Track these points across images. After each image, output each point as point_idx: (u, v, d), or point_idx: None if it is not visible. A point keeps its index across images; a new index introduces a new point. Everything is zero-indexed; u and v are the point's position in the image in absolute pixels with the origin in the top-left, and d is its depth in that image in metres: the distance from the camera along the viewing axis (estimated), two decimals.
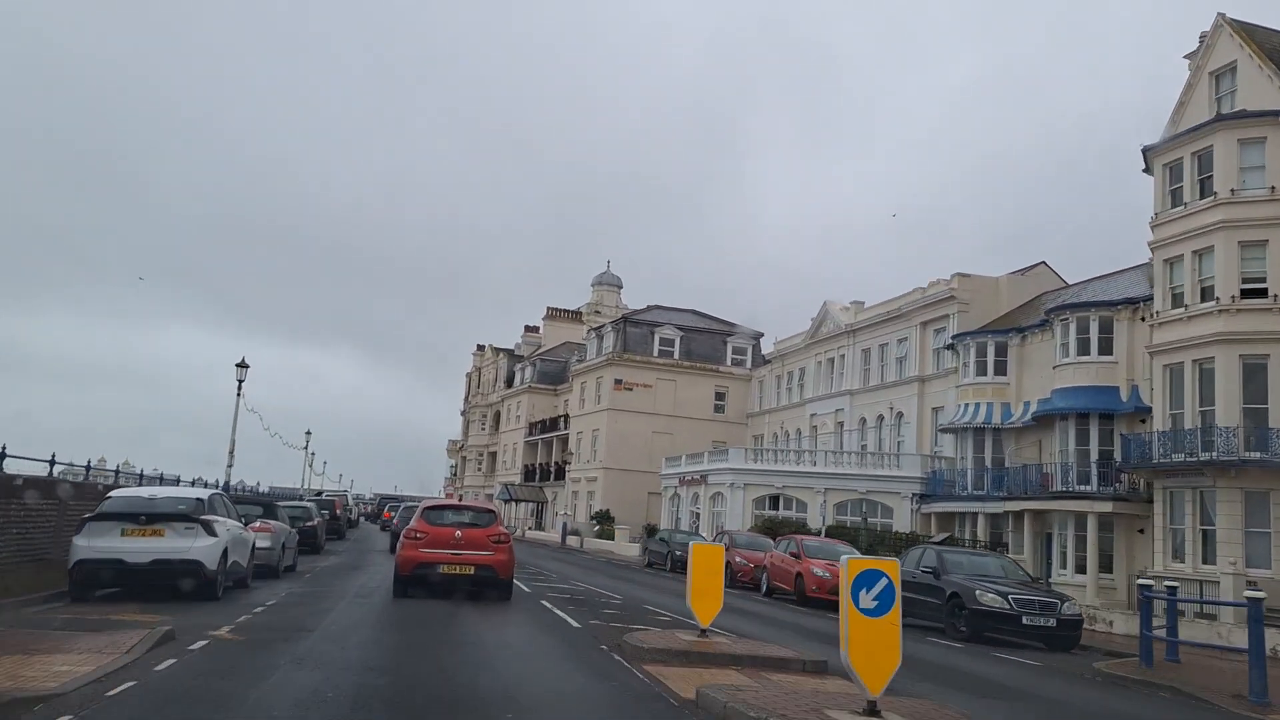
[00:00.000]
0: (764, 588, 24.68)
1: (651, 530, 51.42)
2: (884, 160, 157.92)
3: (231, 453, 33.26)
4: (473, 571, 15.64)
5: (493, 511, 17.86)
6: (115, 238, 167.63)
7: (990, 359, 36.82)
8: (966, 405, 37.20)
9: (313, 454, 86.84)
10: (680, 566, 33.05)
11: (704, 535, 37.58)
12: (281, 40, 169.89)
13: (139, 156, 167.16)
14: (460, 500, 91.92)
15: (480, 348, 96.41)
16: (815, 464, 40.99)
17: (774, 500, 41.81)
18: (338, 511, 41.03)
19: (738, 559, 26.82)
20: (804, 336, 52.54)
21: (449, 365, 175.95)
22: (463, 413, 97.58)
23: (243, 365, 33.62)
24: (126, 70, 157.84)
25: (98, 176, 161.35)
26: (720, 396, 60.09)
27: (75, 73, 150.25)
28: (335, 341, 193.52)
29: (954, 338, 38.68)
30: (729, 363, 60.93)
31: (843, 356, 48.70)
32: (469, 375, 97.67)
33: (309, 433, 63.20)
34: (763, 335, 62.41)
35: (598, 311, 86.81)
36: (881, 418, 44.93)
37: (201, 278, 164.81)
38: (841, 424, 48.25)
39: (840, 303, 50.30)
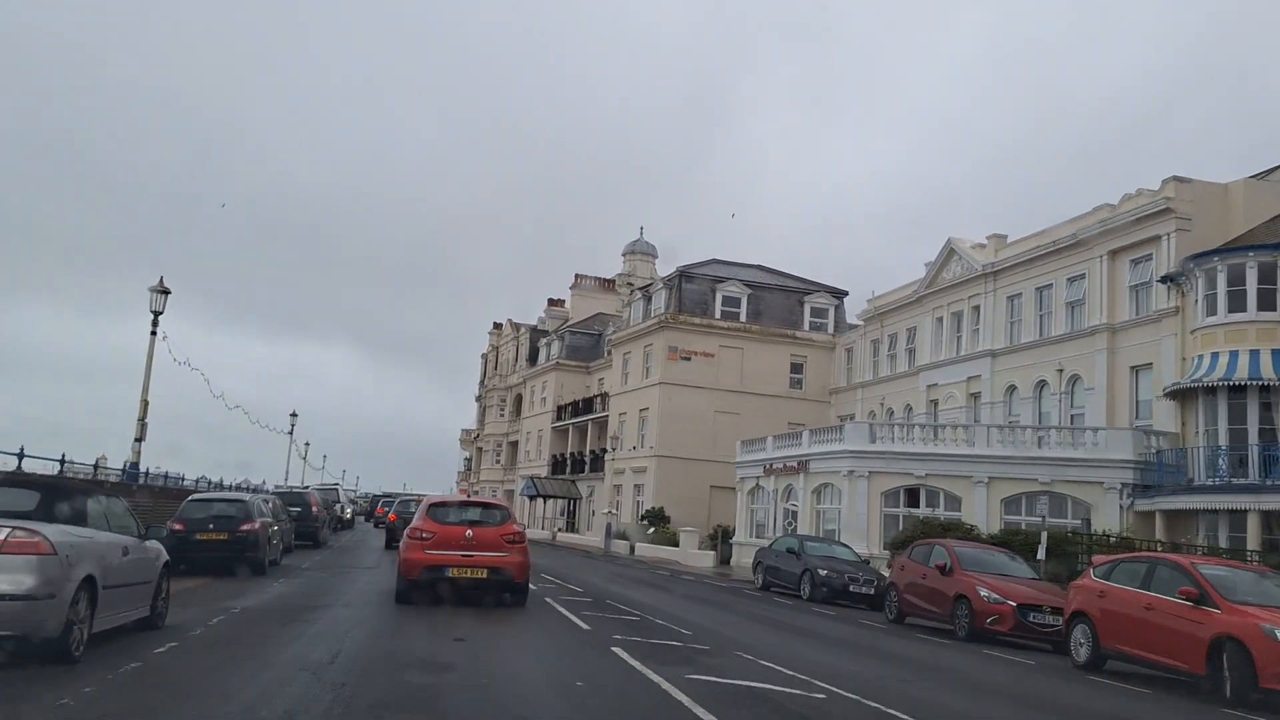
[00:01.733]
0: (1083, 653, 13.20)
1: (725, 534, 40.28)
2: (888, 132, 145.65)
3: (142, 420, 22.10)
4: (485, 575, 14.21)
5: (505, 507, 16.28)
6: (92, 228, 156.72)
7: (1250, 288, 25.42)
8: (1215, 356, 25.79)
9: (307, 445, 76.05)
10: (833, 595, 21.69)
11: (846, 543, 26.14)
12: (268, 27, 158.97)
13: (116, 145, 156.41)
14: (477, 496, 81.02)
15: (497, 326, 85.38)
16: (975, 444, 29.55)
17: (911, 494, 30.43)
18: (314, 510, 29.88)
19: (982, 592, 15.44)
20: (916, 286, 41.11)
21: (455, 357, 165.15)
22: (477, 398, 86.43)
23: (161, 290, 22.46)
24: (98, 51, 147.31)
25: (74, 165, 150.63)
26: (797, 368, 48.72)
27: (36, 51, 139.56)
28: (333, 336, 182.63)
29: (1187, 261, 27.18)
30: (807, 327, 49.55)
31: (976, 308, 37.28)
32: (484, 356, 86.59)
33: (294, 415, 52.32)
34: (847, 294, 51.09)
35: (630, 284, 75.83)
36: (1043, 384, 33.50)
37: (188, 268, 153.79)
38: (977, 396, 36.84)
39: (970, 239, 38.88)
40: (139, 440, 22.02)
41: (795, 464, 34.79)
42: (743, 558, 38.40)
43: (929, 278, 40.20)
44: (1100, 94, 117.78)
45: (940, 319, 39.55)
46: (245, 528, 18.49)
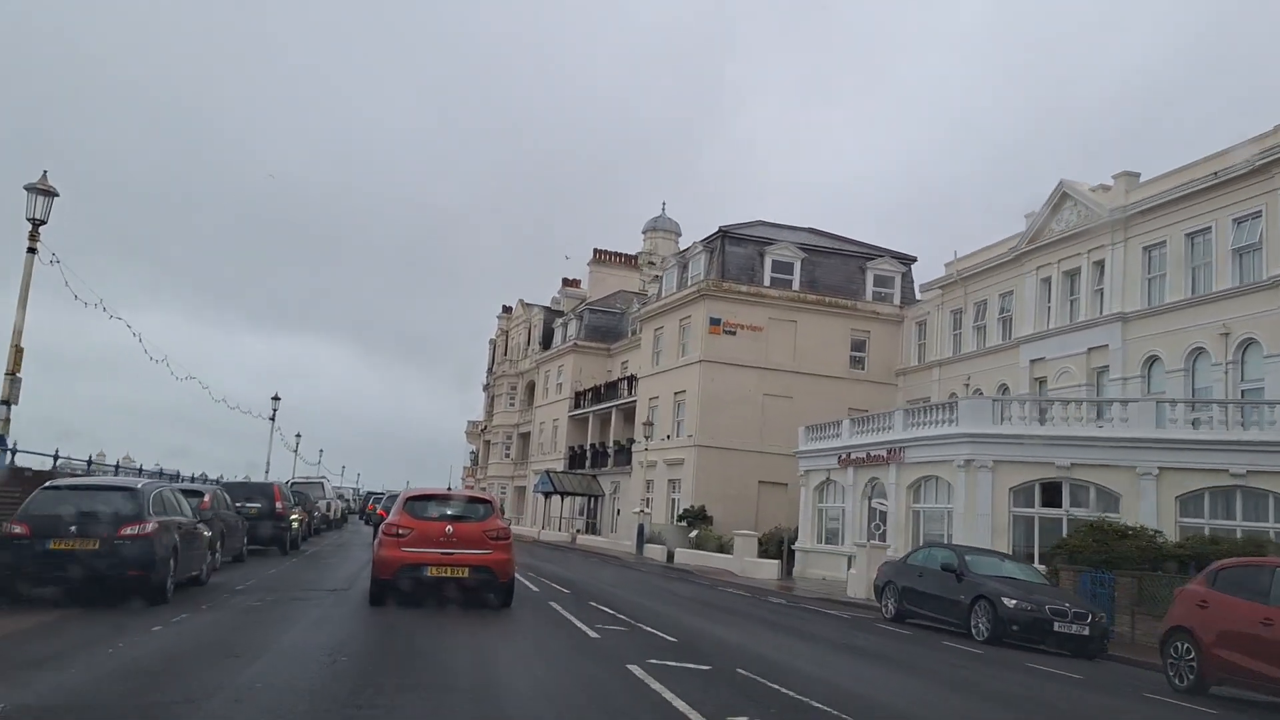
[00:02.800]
0: None
1: (780, 537, 33.47)
2: (889, 110, 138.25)
3: (12, 374, 15.26)
4: (467, 574, 13.13)
5: (488, 501, 15.07)
6: (83, 223, 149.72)
7: None
8: None
9: (298, 437, 69.32)
10: (1027, 636, 14.45)
11: (1025, 563, 19.08)
12: (260, 25, 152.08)
13: (115, 142, 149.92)
14: (483, 492, 74.36)
15: (506, 309, 78.58)
16: (1139, 423, 22.61)
17: (1050, 490, 23.53)
18: (279, 506, 23.10)
19: None
20: (1015, 241, 34.22)
21: (459, 352, 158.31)
22: (485, 387, 79.60)
23: (43, 190, 15.65)
24: (96, 48, 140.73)
25: (68, 160, 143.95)
26: (858, 345, 41.86)
27: (28, 46, 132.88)
28: (335, 334, 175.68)
29: None
30: (869, 297, 42.66)
31: (1099, 264, 30.42)
32: (492, 342, 79.79)
33: (276, 398, 45.52)
34: (915, 260, 44.20)
35: (651, 263, 69.35)
36: (1199, 352, 26.67)
37: (185, 265, 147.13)
38: (1101, 371, 30.03)
39: (1088, 182, 32.00)
40: (6, 403, 15.23)
41: (885, 453, 27.92)
42: (809, 567, 31.65)
43: (1032, 230, 33.28)
44: (1107, 80, 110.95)
45: (1048, 280, 32.68)
46: (129, 531, 11.72)
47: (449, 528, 13.27)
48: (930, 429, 26.15)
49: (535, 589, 17.40)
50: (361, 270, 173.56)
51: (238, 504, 21.55)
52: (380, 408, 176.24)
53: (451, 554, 13.05)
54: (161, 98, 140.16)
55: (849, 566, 26.71)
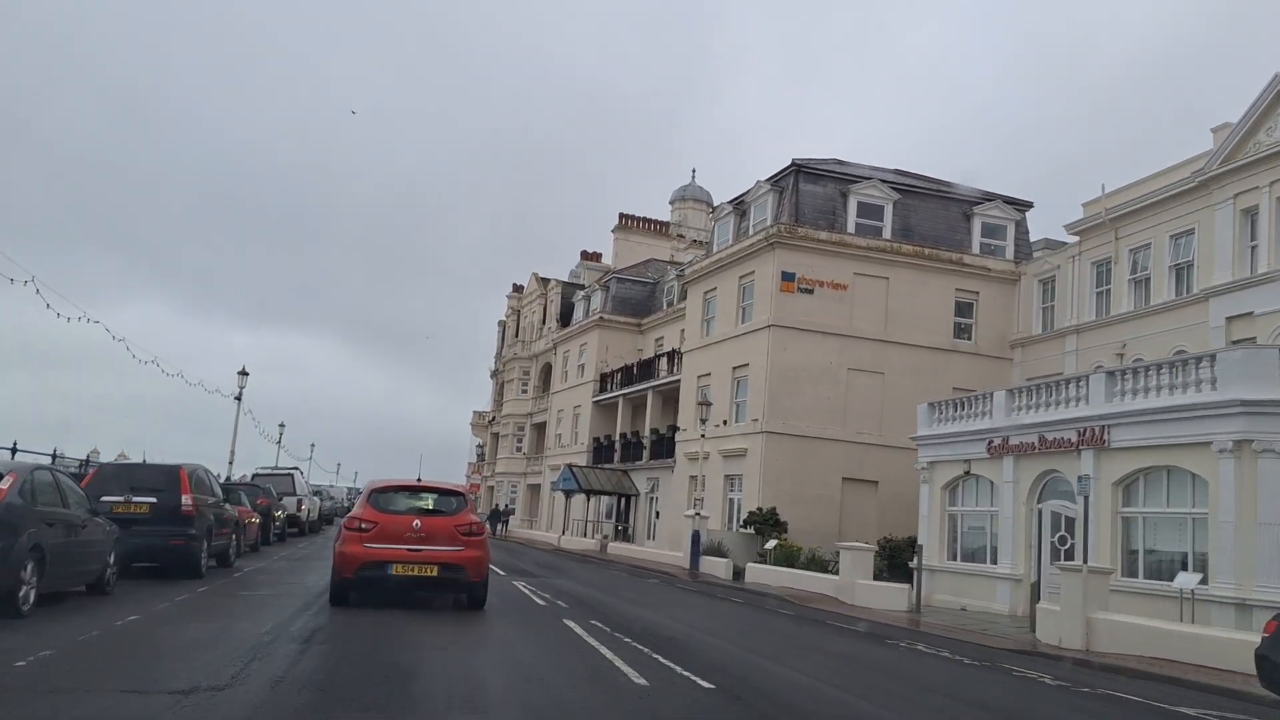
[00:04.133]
0: None
1: (890, 550, 25.42)
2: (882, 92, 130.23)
3: None
4: (436, 573, 12.39)
5: (461, 494, 14.18)
6: (64, 216, 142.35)
7: None
8: None
9: (281, 426, 61.35)
10: None
11: None
12: (255, 22, 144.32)
13: (98, 133, 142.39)
14: (474, 488, 66.11)
15: (517, 288, 70.38)
16: None
17: None
18: (188, 504, 14.82)
19: None
20: (1199, 164, 25.93)
21: (464, 351, 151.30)
22: (493, 373, 71.35)
23: None
24: (82, 42, 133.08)
25: (62, 153, 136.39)
26: (964, 310, 33.61)
27: (25, 41, 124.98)
28: (331, 332, 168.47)
29: None
30: (976, 249, 34.37)
31: None
32: (501, 323, 71.55)
33: (244, 372, 37.30)
34: (1031, 206, 35.86)
35: (680, 235, 61.58)
36: None
37: (183, 262, 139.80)
38: None
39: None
40: None
41: (1074, 435, 19.63)
42: (935, 592, 23.43)
43: (1227, 147, 24.96)
44: (1117, 61, 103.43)
45: (1252, 210, 24.39)
46: None
47: (417, 522, 12.47)
48: (1161, 397, 17.81)
49: (642, 680, 8.90)
50: (366, 269, 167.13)
51: (112, 499, 13.44)
52: (379, 406, 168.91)
53: (420, 550, 12.32)
54: (151, 90, 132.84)
55: (1034, 598, 18.48)
